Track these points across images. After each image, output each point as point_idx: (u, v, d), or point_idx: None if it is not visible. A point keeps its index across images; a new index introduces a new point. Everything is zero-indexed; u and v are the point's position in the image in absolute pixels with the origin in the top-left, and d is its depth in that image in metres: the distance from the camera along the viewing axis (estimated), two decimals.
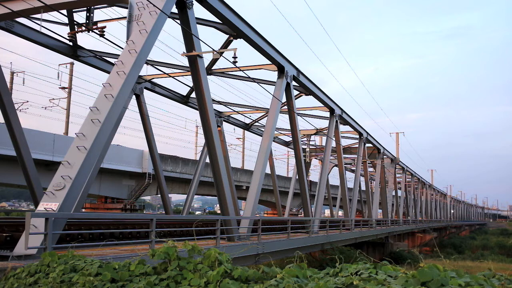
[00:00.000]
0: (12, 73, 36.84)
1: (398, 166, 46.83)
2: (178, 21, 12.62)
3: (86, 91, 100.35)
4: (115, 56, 17.60)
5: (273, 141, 29.28)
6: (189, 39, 12.86)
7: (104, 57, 18.14)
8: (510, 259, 39.17)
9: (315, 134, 33.09)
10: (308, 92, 21.66)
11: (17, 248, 7.66)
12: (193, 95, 17.73)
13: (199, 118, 13.64)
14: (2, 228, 13.67)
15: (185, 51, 13.15)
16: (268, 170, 25.13)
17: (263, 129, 24.31)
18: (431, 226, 60.61)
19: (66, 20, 15.08)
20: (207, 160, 17.42)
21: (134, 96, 20.15)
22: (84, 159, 8.80)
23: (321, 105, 24.13)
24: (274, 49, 17.00)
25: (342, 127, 27.92)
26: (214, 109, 17.78)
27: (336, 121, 25.18)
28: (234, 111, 24.87)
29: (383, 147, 38.91)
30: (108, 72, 16.14)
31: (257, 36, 15.81)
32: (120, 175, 37.58)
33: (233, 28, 14.68)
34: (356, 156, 32.28)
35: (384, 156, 40.16)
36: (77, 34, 16.03)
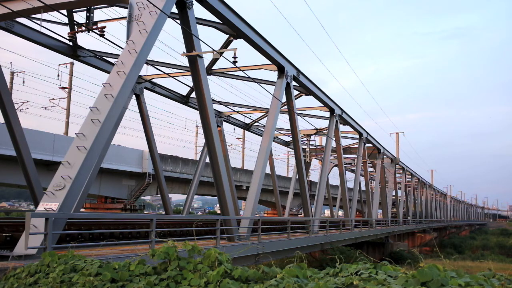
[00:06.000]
0: (12, 73, 36.86)
1: (398, 166, 46.82)
2: (178, 21, 12.62)
3: (86, 91, 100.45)
4: (115, 56, 17.60)
5: (273, 141, 29.28)
6: (189, 39, 12.86)
7: (104, 57, 18.14)
8: (510, 259, 39.18)
9: (315, 134, 33.08)
10: (308, 92, 21.66)
11: (17, 248, 7.65)
12: (193, 95, 17.73)
13: (199, 118, 13.65)
14: (2, 228, 13.67)
15: (185, 51, 13.15)
16: (268, 170, 25.13)
17: (263, 129, 24.31)
18: (431, 226, 60.60)
19: (66, 20, 15.08)
20: (207, 160, 17.42)
21: (134, 96, 20.16)
22: (84, 159, 8.79)
23: (321, 105, 24.13)
24: (274, 49, 17.00)
25: (342, 127, 27.92)
26: (214, 109, 17.78)
27: (336, 121, 25.18)
28: (234, 111, 24.87)
29: (383, 147, 38.91)
30: (108, 72, 16.14)
31: (257, 36, 15.81)
32: (120, 175, 37.58)
33: (233, 28, 14.68)
34: (356, 156, 32.28)
35: (384, 156, 40.15)
36: (77, 34, 16.03)
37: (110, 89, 9.77)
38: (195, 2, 12.78)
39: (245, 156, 59.37)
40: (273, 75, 18.49)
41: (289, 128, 20.47)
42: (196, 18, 13.50)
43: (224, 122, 26.07)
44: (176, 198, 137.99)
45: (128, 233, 15.95)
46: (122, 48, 10.77)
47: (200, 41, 13.07)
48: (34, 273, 5.62)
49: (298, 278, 4.23)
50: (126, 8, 11.58)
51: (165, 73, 16.70)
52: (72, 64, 37.49)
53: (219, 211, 66.91)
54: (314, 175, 54.12)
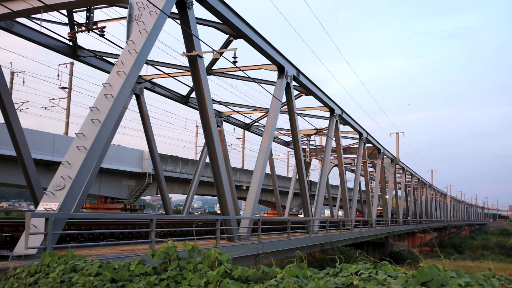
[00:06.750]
0: (12, 73, 36.86)
1: (398, 166, 46.81)
2: (178, 21, 12.62)
3: (86, 91, 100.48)
4: (115, 56, 17.60)
5: (273, 141, 29.27)
6: (189, 39, 12.86)
7: (104, 57, 18.14)
8: (510, 259, 39.19)
9: (315, 134, 33.08)
10: (308, 92, 21.66)
11: (17, 248, 7.65)
12: (193, 95, 17.73)
13: (199, 118, 13.65)
14: (2, 228, 13.67)
15: (185, 51, 13.16)
16: (268, 170, 25.12)
17: (263, 129, 24.31)
18: (431, 226, 60.60)
19: (66, 20, 15.08)
20: (207, 160, 17.42)
21: (134, 96, 20.16)
22: (84, 159, 8.79)
23: (321, 105, 24.13)
24: (274, 49, 16.99)
25: (342, 127, 27.92)
26: (214, 109, 17.78)
27: (336, 121, 25.18)
28: (234, 111, 24.87)
29: (383, 147, 38.91)
30: (108, 72, 16.14)
31: (257, 36, 15.81)
32: (120, 175, 37.58)
33: (233, 28, 14.68)
34: (356, 156, 32.28)
35: (384, 156, 40.15)
36: (77, 34, 16.03)
37: (110, 89, 9.77)
38: (195, 2, 12.78)
39: (245, 156, 59.42)
40: (273, 75, 18.51)
41: (289, 128, 20.46)
42: (196, 18, 13.50)
43: (224, 122, 26.07)
44: (176, 198, 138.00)
45: (128, 233, 15.95)
46: (122, 48, 10.77)
47: (200, 41, 13.07)
48: (34, 273, 5.62)
49: (298, 278, 4.23)
50: (126, 8, 11.58)
51: (165, 73, 16.70)
52: (72, 64, 37.52)
53: (219, 211, 66.91)
54: (314, 175, 54.16)
